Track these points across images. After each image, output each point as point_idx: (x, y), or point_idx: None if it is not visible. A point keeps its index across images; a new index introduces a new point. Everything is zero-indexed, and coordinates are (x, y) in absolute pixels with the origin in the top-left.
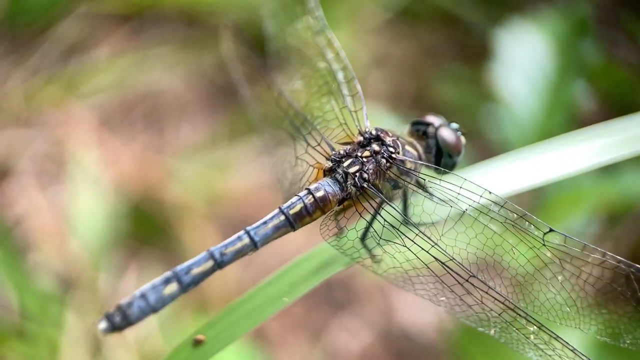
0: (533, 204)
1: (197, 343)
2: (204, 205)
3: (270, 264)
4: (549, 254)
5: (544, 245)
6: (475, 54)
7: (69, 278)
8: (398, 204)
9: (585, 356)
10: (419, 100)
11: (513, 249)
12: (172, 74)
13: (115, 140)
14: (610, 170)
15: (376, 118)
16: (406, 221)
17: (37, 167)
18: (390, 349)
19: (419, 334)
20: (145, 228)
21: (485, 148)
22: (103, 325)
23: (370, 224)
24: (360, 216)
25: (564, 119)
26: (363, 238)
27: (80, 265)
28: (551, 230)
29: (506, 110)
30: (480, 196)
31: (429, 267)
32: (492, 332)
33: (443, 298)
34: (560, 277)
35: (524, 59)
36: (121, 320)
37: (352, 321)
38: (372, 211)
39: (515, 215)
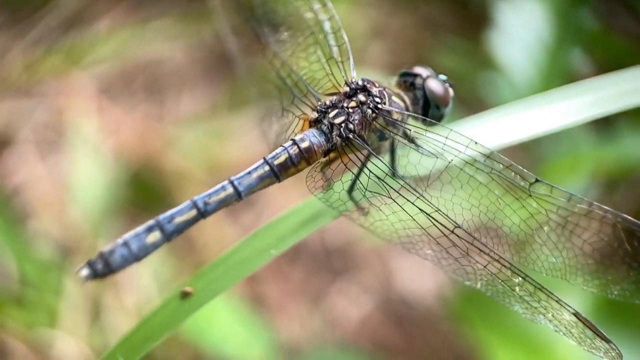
0: (530, 169)
1: (185, 295)
2: (204, 173)
3: None
4: (534, 204)
5: (529, 195)
6: (473, 24)
7: (68, 245)
8: (384, 155)
9: (571, 307)
10: None
11: (499, 199)
12: (172, 45)
13: (115, 109)
14: (607, 133)
15: None
16: (392, 173)
17: (38, 137)
18: (389, 315)
19: (417, 301)
20: (145, 196)
21: None
22: (85, 272)
23: (356, 176)
24: (346, 167)
25: (561, 86)
26: (350, 190)
27: (80, 232)
28: (537, 180)
29: (504, 77)
30: (466, 146)
31: (414, 219)
32: (478, 285)
33: (429, 251)
34: (546, 228)
35: (522, 27)
36: (103, 268)
37: (350, 288)
38: (358, 163)
39: (501, 166)
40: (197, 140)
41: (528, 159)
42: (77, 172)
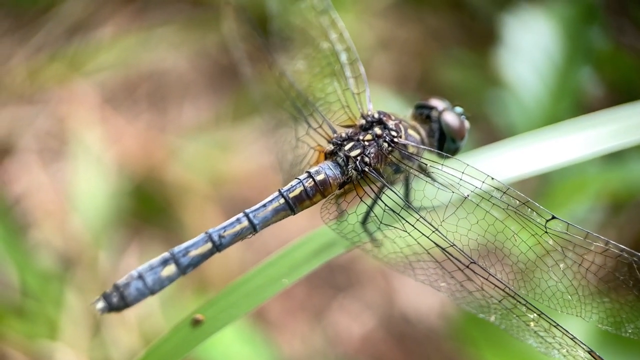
0: (537, 190)
1: (196, 323)
2: (206, 185)
3: (271, 246)
4: (551, 242)
5: (546, 232)
6: (480, 38)
7: (69, 256)
8: (399, 188)
9: (585, 344)
10: (424, 83)
11: (515, 235)
12: (176, 53)
13: (118, 118)
14: (614, 157)
15: (381, 101)
16: (407, 206)
17: (40, 145)
18: (391, 333)
19: (420, 318)
20: (147, 207)
21: (491, 133)
22: (100, 305)
23: (371, 208)
24: (361, 200)
25: (571, 105)
26: (364, 222)
27: (81, 243)
28: (554, 217)
29: (512, 95)
30: (483, 182)
31: (429, 253)
32: (492, 318)
33: (444, 284)
34: (562, 265)
35: (531, 45)
36: (118, 301)
37: (353, 305)
38: (373, 195)
39: (518, 202)
40: (200, 151)
41: (535, 179)
42: (79, 182)
